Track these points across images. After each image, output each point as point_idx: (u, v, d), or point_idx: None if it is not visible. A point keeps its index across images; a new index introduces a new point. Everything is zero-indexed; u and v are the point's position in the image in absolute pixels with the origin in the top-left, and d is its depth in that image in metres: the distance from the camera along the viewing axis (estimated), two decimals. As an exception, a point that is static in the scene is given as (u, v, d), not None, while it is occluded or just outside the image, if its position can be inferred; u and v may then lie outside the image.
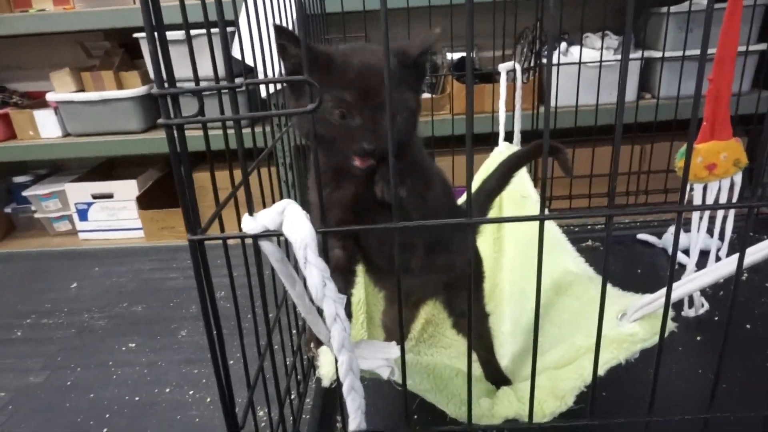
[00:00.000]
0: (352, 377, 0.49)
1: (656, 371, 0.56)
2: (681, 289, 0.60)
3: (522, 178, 1.24)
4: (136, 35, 1.78)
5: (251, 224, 0.44)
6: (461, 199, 1.35)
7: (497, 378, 0.89)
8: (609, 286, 0.84)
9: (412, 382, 0.66)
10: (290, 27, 0.53)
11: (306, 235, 0.44)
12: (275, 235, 0.45)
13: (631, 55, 1.72)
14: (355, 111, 0.54)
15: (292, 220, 0.44)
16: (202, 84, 0.44)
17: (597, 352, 0.57)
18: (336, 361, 0.50)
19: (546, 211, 0.56)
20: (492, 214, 1.26)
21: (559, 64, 1.66)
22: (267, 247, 0.47)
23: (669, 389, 0.96)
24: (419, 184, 0.61)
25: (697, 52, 1.53)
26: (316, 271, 0.44)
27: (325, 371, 0.61)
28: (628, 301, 0.66)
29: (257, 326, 0.66)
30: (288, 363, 0.87)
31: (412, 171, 0.59)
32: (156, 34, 0.39)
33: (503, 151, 1.34)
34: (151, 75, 1.85)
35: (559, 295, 0.92)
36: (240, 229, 0.45)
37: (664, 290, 0.59)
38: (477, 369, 0.92)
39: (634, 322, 0.63)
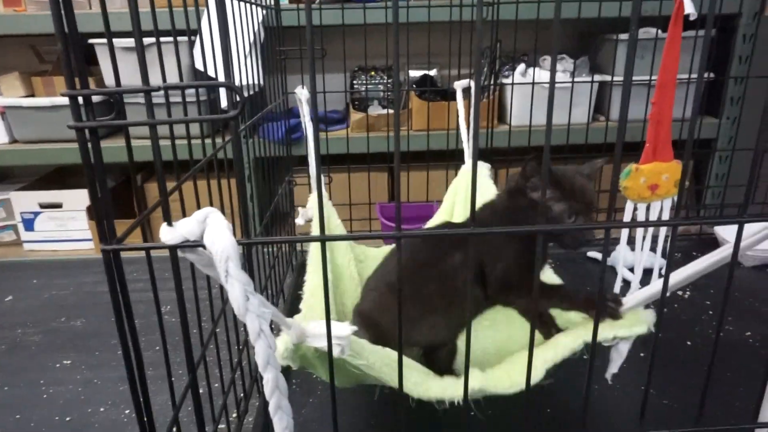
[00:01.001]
0: (278, 396, 0.48)
1: (587, 393, 0.56)
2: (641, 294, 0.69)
3: (487, 186, 1.26)
4: (91, 41, 1.73)
5: (169, 234, 0.42)
6: (437, 217, 1.36)
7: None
8: None
9: (366, 362, 0.66)
10: (251, 40, 0.54)
11: (227, 247, 0.42)
12: (195, 246, 0.43)
13: (585, 79, 1.77)
14: (581, 216, 0.79)
15: (213, 229, 0.42)
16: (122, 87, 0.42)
17: (592, 357, 0.56)
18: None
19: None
20: (446, 215, 1.30)
21: (513, 84, 1.70)
22: (190, 256, 0.45)
23: (616, 406, 0.96)
24: None
25: (646, 77, 1.60)
26: (238, 285, 0.43)
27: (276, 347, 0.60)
28: None
29: (189, 341, 0.63)
30: (225, 380, 0.84)
31: None
32: (67, 31, 0.37)
33: (470, 169, 1.34)
34: (107, 82, 1.81)
35: None
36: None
37: (635, 293, 0.70)
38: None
39: None
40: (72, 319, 1.37)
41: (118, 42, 1.67)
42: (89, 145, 0.40)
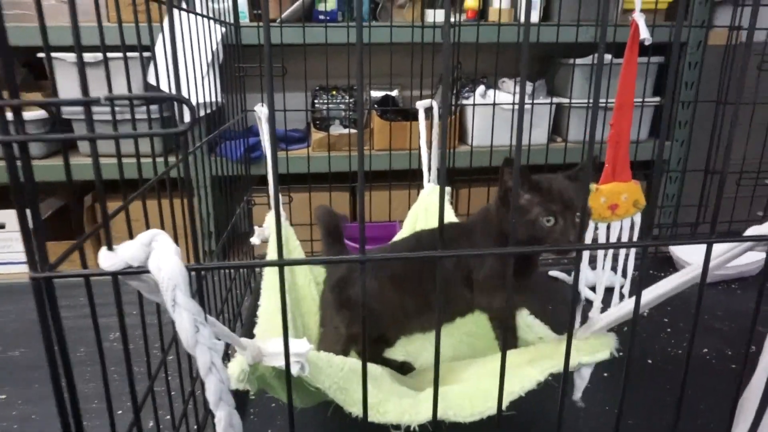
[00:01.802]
0: (232, 434, 0.44)
1: (559, 422, 0.55)
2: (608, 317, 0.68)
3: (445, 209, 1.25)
4: (40, 55, 1.65)
5: (110, 259, 0.39)
6: (401, 234, 1.34)
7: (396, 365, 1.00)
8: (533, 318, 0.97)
9: (321, 386, 0.64)
10: (209, 58, 0.52)
11: (175, 273, 0.39)
12: (138, 272, 0.39)
13: (542, 101, 1.81)
14: (559, 217, 0.77)
15: (159, 254, 0.39)
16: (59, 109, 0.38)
17: (566, 370, 0.54)
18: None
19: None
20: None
21: (474, 105, 1.71)
22: (134, 283, 0.41)
23: (580, 427, 0.96)
24: None
25: (602, 100, 1.65)
26: (186, 315, 0.39)
27: (230, 372, 0.57)
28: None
29: (132, 373, 0.58)
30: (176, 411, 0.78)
31: None
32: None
33: (430, 192, 1.33)
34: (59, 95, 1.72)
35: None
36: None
37: (603, 314, 0.69)
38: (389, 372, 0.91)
39: (578, 341, 0.72)
40: (9, 349, 1.27)
41: (65, 56, 1.60)
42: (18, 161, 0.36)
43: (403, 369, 1.00)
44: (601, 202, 1.01)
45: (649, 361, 1.15)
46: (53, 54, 1.63)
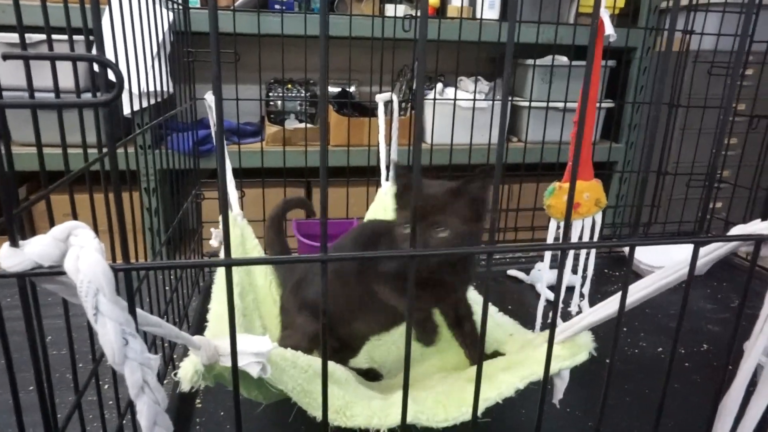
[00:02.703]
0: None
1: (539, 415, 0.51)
2: (589, 318, 0.64)
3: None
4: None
5: (15, 258, 0.32)
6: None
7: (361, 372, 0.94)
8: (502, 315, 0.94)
9: (284, 387, 0.61)
10: (157, 42, 0.46)
11: (97, 275, 0.32)
12: (51, 273, 0.33)
13: (499, 102, 1.80)
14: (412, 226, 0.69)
15: (78, 252, 0.33)
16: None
17: (547, 371, 0.51)
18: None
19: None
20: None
21: (435, 100, 1.69)
22: (49, 285, 0.35)
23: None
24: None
25: (560, 104, 1.65)
26: (111, 326, 0.33)
27: (182, 373, 0.53)
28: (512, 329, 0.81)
29: (50, 386, 0.50)
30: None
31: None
32: None
33: (386, 191, 1.28)
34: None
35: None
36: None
37: (580, 316, 0.66)
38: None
39: (555, 345, 0.66)
40: None
41: (8, 37, 1.46)
42: None
43: (369, 377, 0.95)
44: (564, 200, 1.00)
45: (608, 361, 1.15)
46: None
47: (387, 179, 1.32)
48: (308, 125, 1.83)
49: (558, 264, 0.49)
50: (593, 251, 1.04)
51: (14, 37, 1.44)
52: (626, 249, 1.65)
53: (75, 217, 0.56)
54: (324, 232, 0.41)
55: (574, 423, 0.96)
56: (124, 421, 0.71)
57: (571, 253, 1.05)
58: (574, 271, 1.15)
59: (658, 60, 1.79)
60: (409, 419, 0.64)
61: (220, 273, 0.89)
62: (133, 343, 0.34)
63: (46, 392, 0.41)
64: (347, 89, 1.97)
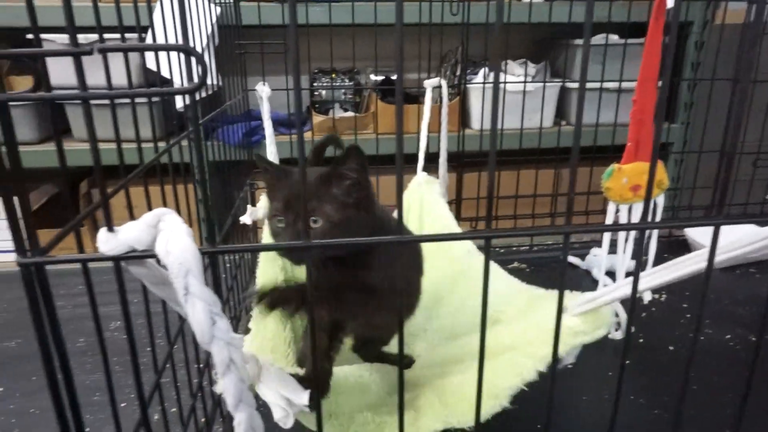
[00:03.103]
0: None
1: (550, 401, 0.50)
2: (618, 291, 0.58)
3: (443, 213, 1.19)
4: (30, 36, 1.58)
5: (110, 243, 0.34)
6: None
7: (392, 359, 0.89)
8: (545, 290, 0.86)
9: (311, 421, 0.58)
10: (207, 35, 0.46)
11: (188, 257, 0.34)
12: (143, 256, 0.34)
13: (549, 84, 1.76)
14: (283, 216, 0.63)
15: (168, 236, 0.34)
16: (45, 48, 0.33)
17: (555, 357, 0.50)
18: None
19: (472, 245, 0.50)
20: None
21: (484, 84, 1.66)
22: (136, 270, 0.36)
23: (603, 417, 0.92)
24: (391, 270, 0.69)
25: (611, 84, 1.60)
26: (201, 306, 0.34)
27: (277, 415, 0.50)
28: (570, 297, 0.66)
29: (137, 365, 0.53)
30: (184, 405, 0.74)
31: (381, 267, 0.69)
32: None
33: (422, 181, 1.26)
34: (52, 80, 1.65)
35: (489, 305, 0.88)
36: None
37: (606, 289, 0.59)
38: (382, 377, 0.84)
39: (575, 316, 0.62)
40: (5, 340, 1.23)
41: (56, 37, 1.53)
42: None
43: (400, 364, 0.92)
44: (623, 183, 0.97)
45: (671, 348, 1.11)
46: (43, 36, 1.56)
47: (423, 169, 1.30)
48: (355, 114, 1.84)
49: (613, 245, 0.47)
50: (655, 235, 1.01)
51: (66, 37, 1.51)
52: (687, 232, 1.59)
53: (149, 207, 0.58)
54: (400, 216, 0.41)
55: (637, 410, 0.94)
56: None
57: (631, 237, 1.02)
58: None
59: (720, 34, 1.70)
60: (441, 426, 0.62)
61: (262, 261, 0.85)
62: (220, 323, 0.35)
63: (138, 370, 0.43)
64: (391, 77, 1.97)
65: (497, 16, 0.37)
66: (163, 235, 0.34)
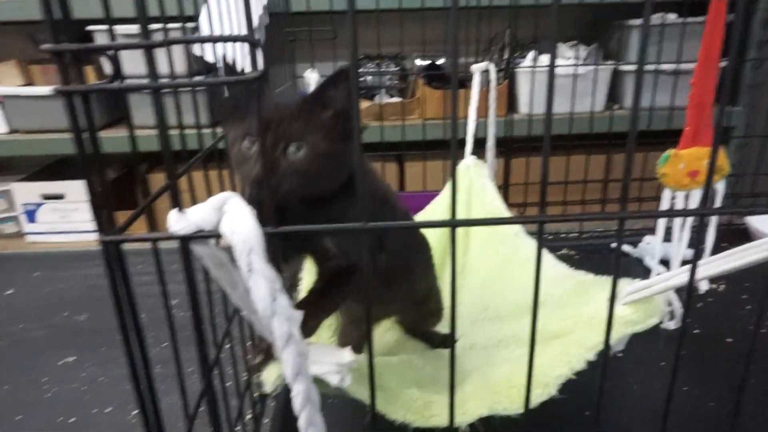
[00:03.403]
0: (310, 409, 0.41)
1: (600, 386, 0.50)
2: (673, 280, 0.57)
3: (492, 196, 1.18)
4: (89, 27, 1.66)
5: (180, 223, 0.36)
6: (435, 202, 1.29)
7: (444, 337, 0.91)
8: (595, 276, 0.85)
9: (361, 396, 0.58)
10: (251, 25, 0.47)
11: (251, 237, 0.36)
12: (210, 236, 0.37)
13: (601, 66, 1.71)
14: (255, 139, 0.55)
15: (233, 217, 0.36)
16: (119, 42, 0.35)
17: (606, 354, 0.50)
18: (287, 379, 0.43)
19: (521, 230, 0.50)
20: (460, 239, 1.20)
21: (534, 68, 1.63)
22: (199, 250, 0.39)
23: (655, 407, 0.90)
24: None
25: (668, 66, 1.53)
26: (263, 283, 0.37)
27: (265, 375, 0.53)
28: (621, 285, 0.64)
29: (201, 339, 0.57)
30: (240, 380, 0.78)
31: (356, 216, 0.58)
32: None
33: (470, 165, 1.26)
34: (106, 69, 1.73)
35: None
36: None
37: (660, 277, 0.58)
38: (427, 360, 0.84)
39: (625, 305, 0.62)
40: (75, 314, 1.31)
41: (121, 29, 1.60)
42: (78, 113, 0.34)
43: (446, 344, 0.93)
44: (680, 168, 0.94)
45: (729, 340, 1.08)
46: (98, 27, 1.63)
47: (472, 152, 1.29)
48: (401, 99, 1.84)
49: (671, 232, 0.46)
50: (713, 223, 0.97)
51: (128, 28, 1.57)
52: (749, 220, 1.52)
53: (208, 190, 0.61)
54: (454, 201, 0.42)
55: (691, 402, 0.92)
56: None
57: (687, 224, 0.99)
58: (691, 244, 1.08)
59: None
60: (487, 412, 0.62)
61: None
62: (281, 299, 0.38)
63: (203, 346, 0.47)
64: (435, 62, 1.95)
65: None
66: (228, 216, 0.37)
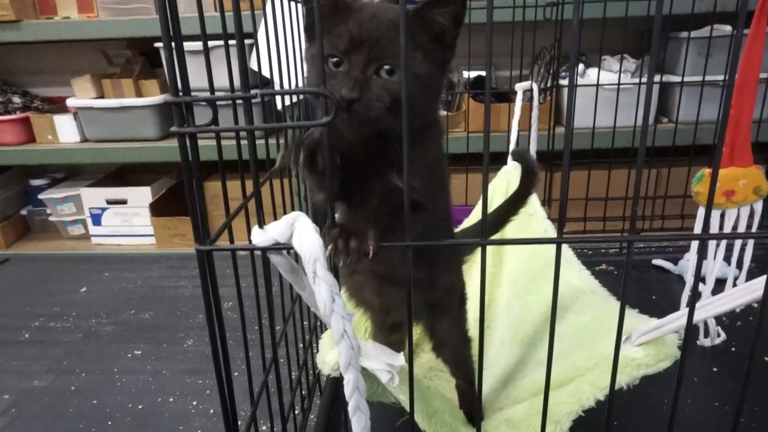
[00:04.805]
0: (358, 396, 0.48)
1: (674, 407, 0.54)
2: (696, 313, 0.54)
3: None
4: (157, 44, 1.80)
5: (261, 237, 0.44)
6: (472, 216, 1.33)
7: (471, 410, 0.83)
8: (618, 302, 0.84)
9: (404, 397, 0.63)
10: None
11: (315, 249, 0.43)
12: (284, 248, 0.44)
13: (645, 80, 1.71)
14: (345, 58, 0.50)
15: (301, 232, 0.44)
16: (217, 93, 0.43)
17: (613, 382, 0.54)
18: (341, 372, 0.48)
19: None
20: (493, 250, 1.24)
21: (576, 85, 1.65)
22: (276, 259, 0.46)
23: (683, 422, 0.93)
24: (432, 183, 0.59)
25: (716, 77, 1.53)
26: (324, 287, 0.44)
27: (329, 358, 0.60)
28: (637, 322, 0.64)
29: (263, 339, 0.65)
30: (293, 378, 0.86)
31: (426, 165, 0.57)
32: (173, 43, 0.39)
33: (510, 170, 1.31)
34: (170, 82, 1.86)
35: (561, 310, 0.89)
36: (249, 240, 0.45)
37: (672, 315, 0.57)
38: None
39: (638, 347, 0.61)
40: (140, 312, 1.43)
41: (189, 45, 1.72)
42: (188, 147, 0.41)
43: (472, 420, 0.86)
44: (716, 188, 0.96)
45: (767, 359, 1.08)
46: (162, 44, 1.75)
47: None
48: (446, 112, 1.89)
49: (697, 255, 0.49)
50: (751, 242, 0.99)
51: (194, 45, 1.69)
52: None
53: (273, 205, 0.69)
54: (485, 215, 0.48)
55: (723, 418, 0.93)
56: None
57: (723, 242, 1.00)
58: (729, 262, 1.09)
59: None
60: None
61: None
62: (338, 300, 0.44)
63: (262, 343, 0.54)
64: (482, 74, 2.00)
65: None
66: (298, 231, 0.44)
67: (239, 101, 0.44)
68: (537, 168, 0.89)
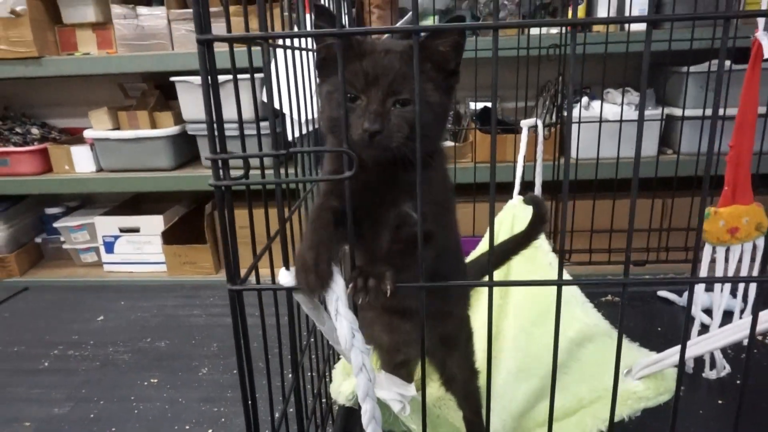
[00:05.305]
0: (374, 425, 0.51)
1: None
2: (693, 349, 0.58)
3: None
4: (172, 78, 1.86)
5: (287, 278, 0.47)
6: (480, 247, 1.36)
7: None
8: (624, 339, 0.86)
9: (415, 426, 0.65)
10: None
11: (338, 289, 0.47)
12: (310, 288, 0.48)
13: (651, 112, 1.75)
14: (361, 93, 0.54)
15: (326, 274, 0.47)
16: (249, 152, 0.47)
17: (612, 415, 0.57)
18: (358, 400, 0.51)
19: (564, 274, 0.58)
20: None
21: (580, 122, 1.70)
22: (300, 297, 0.50)
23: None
24: (441, 207, 0.63)
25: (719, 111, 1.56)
26: (345, 323, 0.47)
27: (343, 388, 0.63)
28: (638, 356, 0.66)
29: (283, 370, 0.68)
30: (308, 407, 0.88)
31: (434, 190, 0.61)
32: (214, 114, 0.42)
33: (516, 204, 1.34)
34: (184, 116, 1.92)
35: (565, 343, 0.91)
36: (272, 276, 0.49)
37: (671, 350, 0.59)
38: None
39: (639, 380, 0.63)
40: (156, 341, 1.46)
41: (193, 79, 1.78)
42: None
43: None
44: (720, 226, 0.99)
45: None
46: (180, 78, 1.82)
47: (519, 193, 1.37)
48: (454, 143, 1.94)
49: (687, 298, 0.52)
50: (752, 288, 1.01)
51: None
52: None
53: (284, 233, 0.72)
54: (490, 258, 0.51)
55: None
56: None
57: (731, 273, 1.03)
58: (735, 295, 1.11)
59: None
60: None
61: None
62: (358, 336, 0.48)
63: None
64: (489, 105, 2.05)
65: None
66: (322, 273, 0.47)
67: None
68: (548, 216, 0.92)
